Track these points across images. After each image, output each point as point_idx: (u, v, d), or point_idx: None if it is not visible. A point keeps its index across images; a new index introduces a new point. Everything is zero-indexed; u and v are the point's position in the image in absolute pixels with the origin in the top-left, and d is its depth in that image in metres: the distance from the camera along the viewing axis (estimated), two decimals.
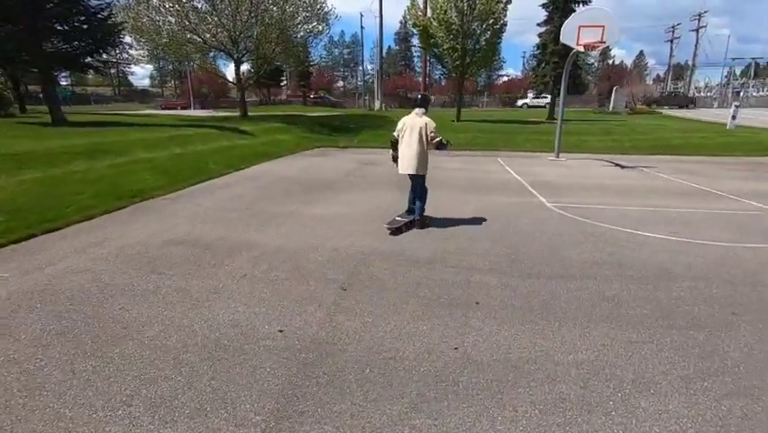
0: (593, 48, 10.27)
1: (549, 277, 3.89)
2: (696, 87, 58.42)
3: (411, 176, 5.35)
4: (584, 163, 12.44)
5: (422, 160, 5.21)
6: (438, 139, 5.16)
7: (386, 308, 3.23)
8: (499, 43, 20.99)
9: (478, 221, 5.77)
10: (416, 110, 5.30)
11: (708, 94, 63.73)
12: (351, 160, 12.15)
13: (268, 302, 3.30)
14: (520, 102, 47.72)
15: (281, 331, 2.88)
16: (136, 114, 24.23)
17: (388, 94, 57.84)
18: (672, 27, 53.58)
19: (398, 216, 5.60)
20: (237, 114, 23.29)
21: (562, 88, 13.38)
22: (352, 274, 3.88)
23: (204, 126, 14.93)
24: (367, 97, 50.54)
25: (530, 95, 45.55)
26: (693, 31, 53.11)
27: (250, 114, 24.26)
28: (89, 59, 13.26)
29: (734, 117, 19.55)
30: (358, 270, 3.99)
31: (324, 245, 4.66)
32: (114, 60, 22.35)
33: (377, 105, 36.62)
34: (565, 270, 4.07)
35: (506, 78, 73.44)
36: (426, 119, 5.19)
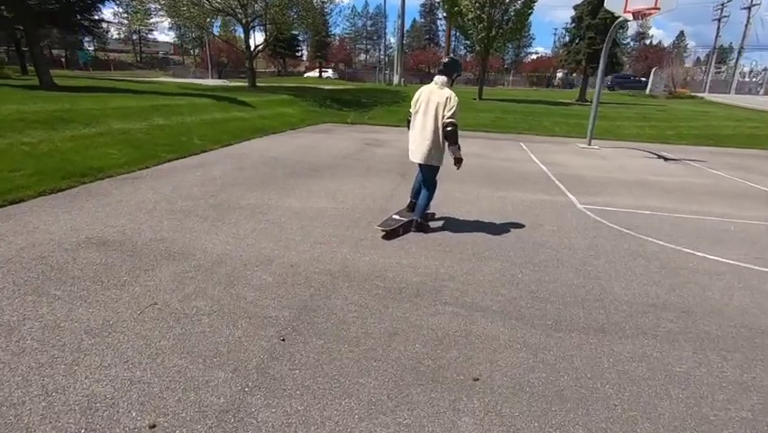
0: (644, 16, 8.63)
1: (585, 329, 2.69)
2: (740, 72, 54.24)
3: (421, 166, 4.16)
4: (620, 153, 10.91)
5: (436, 146, 3.97)
6: (451, 122, 3.83)
7: (331, 384, 2.11)
8: (530, 14, 19.03)
9: (490, 228, 4.55)
10: (437, 78, 3.96)
11: (754, 79, 59.29)
12: (356, 138, 10.92)
13: (162, 360, 2.22)
14: (306, 74, 48.40)
15: (153, 427, 1.80)
16: (144, 80, 23.27)
17: (410, 69, 55.59)
18: (722, 4, 49.26)
19: (396, 214, 4.43)
20: (259, 83, 22.13)
21: (600, 66, 11.70)
22: (304, 310, 2.76)
23: (202, 96, 13.82)
24: (387, 72, 48.51)
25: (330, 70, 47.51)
26: (744, 9, 48.72)
27: (260, 84, 23.04)
28: (79, 17, 12.17)
29: None
30: (314, 302, 2.86)
31: (282, 257, 3.55)
32: (105, 20, 21.15)
33: (396, 79, 34.83)
34: (608, 316, 2.86)
35: (534, 56, 69.92)
36: (448, 92, 3.87)
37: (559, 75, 55.88)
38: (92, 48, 68.37)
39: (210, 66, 50.51)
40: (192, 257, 3.47)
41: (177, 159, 7.19)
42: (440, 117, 3.87)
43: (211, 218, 4.43)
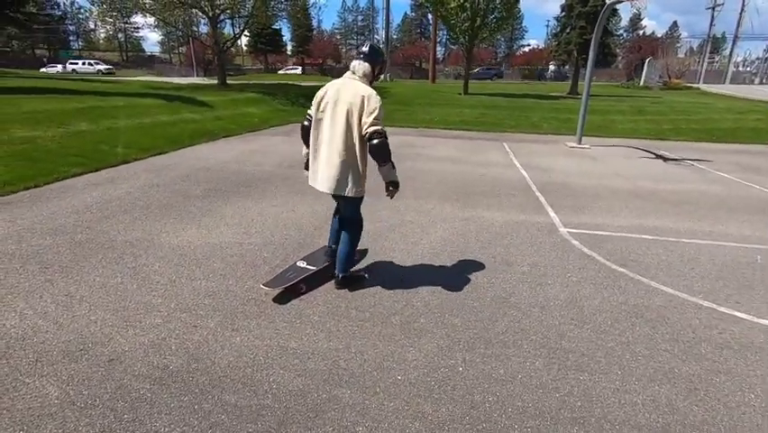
0: None
1: None
2: (734, 62, 53.24)
3: (335, 196, 2.87)
4: (614, 152, 9.77)
5: (351, 168, 2.69)
6: (377, 132, 2.57)
7: None
8: (517, 2, 17.80)
9: (437, 272, 3.38)
10: (355, 65, 2.74)
11: (748, 69, 58.38)
12: None
13: None
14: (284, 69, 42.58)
15: None
16: (110, 79, 21.90)
17: (399, 64, 54.27)
18: None
19: (302, 261, 3.21)
20: (231, 81, 20.77)
21: (590, 57, 10.52)
22: None
23: (155, 96, 12.54)
24: None
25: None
26: None
27: (232, 82, 21.79)
28: (7, 11, 10.87)
29: None
30: None
31: (108, 342, 2.36)
32: (41, 13, 19.78)
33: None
34: None
35: (527, 49, 68.66)
36: (364, 89, 2.62)
37: (551, 67, 54.78)
38: (76, 48, 66.82)
39: (195, 63, 49.04)
40: None
41: (82, 174, 5.96)
42: (354, 126, 2.64)
43: (56, 267, 3.23)
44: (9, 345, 2.32)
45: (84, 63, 41.93)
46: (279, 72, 46.30)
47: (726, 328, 2.70)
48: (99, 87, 13.67)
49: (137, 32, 75.35)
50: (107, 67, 42.71)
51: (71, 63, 41.97)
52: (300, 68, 51.99)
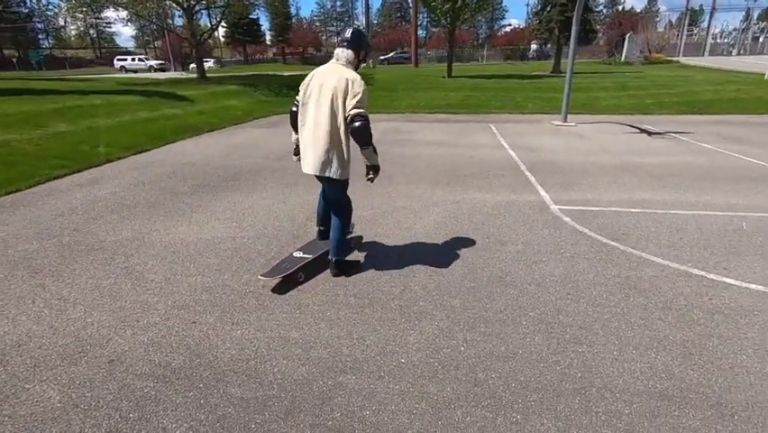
0: None
1: None
2: (712, 34, 53.71)
3: (321, 179, 2.89)
4: (599, 129, 9.84)
5: (336, 150, 2.70)
6: (359, 114, 2.59)
7: None
8: None
9: (433, 255, 3.39)
10: (339, 52, 2.73)
11: (725, 40, 58.99)
12: None
13: None
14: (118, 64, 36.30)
15: None
16: (84, 77, 21.21)
17: (381, 50, 53.58)
18: None
19: (299, 251, 3.19)
20: (212, 74, 20.31)
21: (572, 34, 10.51)
22: None
23: (133, 93, 12.22)
24: None
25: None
26: None
27: (213, 75, 21.33)
28: None
29: None
30: None
31: (107, 343, 2.33)
32: (8, 11, 19.08)
33: None
34: None
35: (508, 29, 68.26)
36: (348, 73, 2.62)
37: (533, 47, 54.63)
38: (47, 46, 64.66)
39: (172, 58, 47.75)
40: None
41: (65, 175, 5.83)
42: (339, 109, 2.62)
43: (46, 271, 3.17)
44: (5, 351, 2.28)
45: (134, 60, 38.24)
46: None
47: (716, 294, 2.77)
48: (75, 87, 13.25)
49: (109, 27, 73.35)
50: (159, 62, 39.05)
51: (119, 60, 38.16)
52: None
